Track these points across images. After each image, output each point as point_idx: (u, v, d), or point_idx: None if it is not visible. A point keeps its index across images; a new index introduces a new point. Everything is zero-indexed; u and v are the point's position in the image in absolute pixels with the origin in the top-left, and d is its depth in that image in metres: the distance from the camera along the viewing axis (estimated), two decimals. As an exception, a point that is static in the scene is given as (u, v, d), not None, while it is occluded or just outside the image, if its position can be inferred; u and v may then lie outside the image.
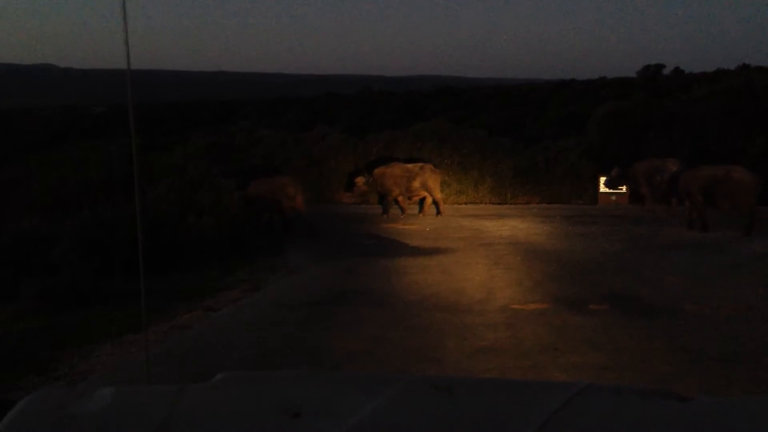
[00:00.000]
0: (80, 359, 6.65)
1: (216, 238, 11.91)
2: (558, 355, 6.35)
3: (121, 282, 9.28)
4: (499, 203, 20.01)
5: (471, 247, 12.72)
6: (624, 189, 18.20)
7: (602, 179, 18.57)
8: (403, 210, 17.22)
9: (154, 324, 7.70)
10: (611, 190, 18.70)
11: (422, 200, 17.50)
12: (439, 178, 17.50)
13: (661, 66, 51.11)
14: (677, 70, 50.26)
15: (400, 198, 17.19)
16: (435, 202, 17.27)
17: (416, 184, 16.93)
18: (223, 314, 8.34)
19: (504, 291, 9.07)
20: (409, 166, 17.20)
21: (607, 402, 1.27)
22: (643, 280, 9.75)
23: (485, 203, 20.10)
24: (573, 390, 1.28)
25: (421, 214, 17.20)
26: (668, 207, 16.25)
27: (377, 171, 17.03)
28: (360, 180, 17.14)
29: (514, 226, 15.37)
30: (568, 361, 6.18)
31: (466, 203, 20.12)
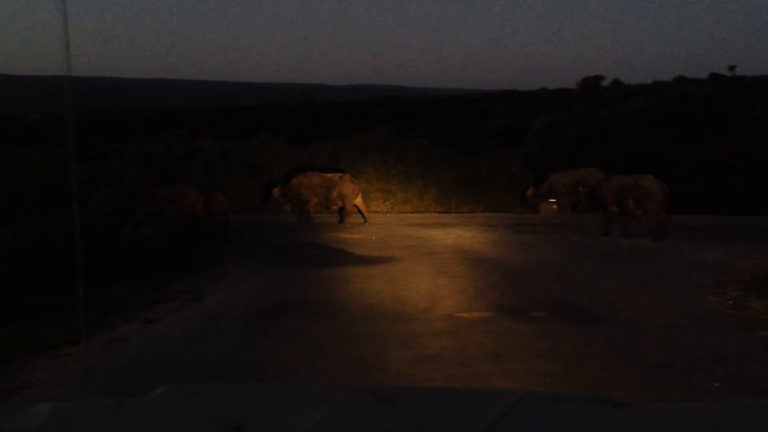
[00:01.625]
0: (14, 373, 6.42)
1: (155, 248, 11.69)
2: (500, 363, 6.41)
3: (56, 294, 9.01)
4: (443, 212, 20.19)
5: (416, 255, 12.79)
6: (553, 201, 18.43)
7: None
8: (310, 219, 17.20)
9: (92, 336, 7.50)
10: (529, 207, 19.08)
11: (341, 210, 17.53)
12: (358, 188, 17.59)
13: (600, 78, 52.39)
14: (616, 82, 51.56)
15: (311, 208, 17.21)
16: (342, 210, 17.36)
17: (334, 193, 17.01)
18: (163, 326, 8.17)
19: (448, 299, 9.14)
20: (329, 175, 17.26)
21: (547, 409, 1.28)
22: (582, 288, 9.93)
23: (430, 212, 20.25)
24: (513, 398, 1.30)
25: (341, 224, 17.20)
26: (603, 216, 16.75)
27: (294, 180, 17.00)
28: (276, 191, 17.04)
29: (459, 235, 15.52)
30: (510, 369, 6.24)
31: (411, 212, 20.24)
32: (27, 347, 7.21)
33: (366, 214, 17.51)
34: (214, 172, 20.50)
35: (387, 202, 20.66)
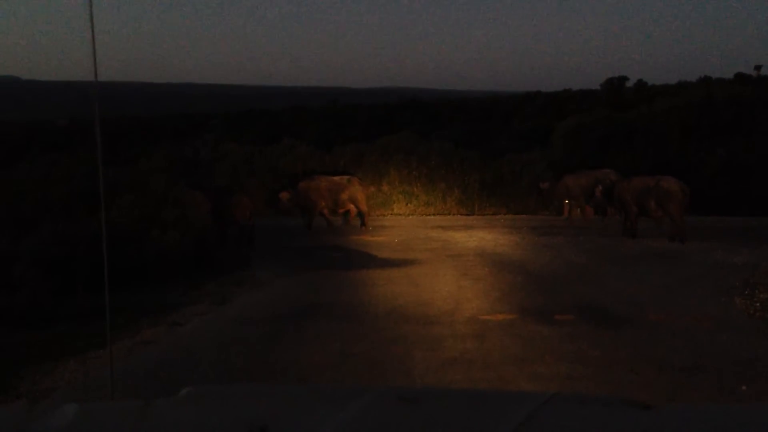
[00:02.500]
0: (43, 376, 6.52)
1: (181, 252, 11.77)
2: (525, 366, 6.38)
3: (82, 300, 9.12)
4: (467, 214, 20.13)
5: (439, 258, 12.77)
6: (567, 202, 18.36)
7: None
8: (330, 223, 17.19)
9: (119, 340, 7.59)
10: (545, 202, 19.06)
11: (347, 212, 17.48)
12: (366, 191, 17.61)
13: (624, 78, 51.98)
14: (640, 83, 51.12)
15: (325, 211, 17.19)
16: (361, 214, 17.29)
17: (344, 196, 16.98)
18: (189, 329, 8.24)
19: (472, 302, 9.11)
20: (336, 179, 17.22)
21: (573, 411, 1.28)
22: (608, 291, 9.85)
23: (453, 214, 20.21)
24: (539, 400, 1.29)
25: (363, 227, 17.12)
26: (605, 216, 16.92)
27: (302, 185, 16.94)
28: (284, 195, 16.96)
29: (482, 237, 15.46)
30: (536, 372, 6.21)
31: (434, 215, 20.21)
32: (55, 351, 7.31)
33: (351, 218, 17.52)
34: (239, 176, 20.62)
35: (410, 205, 20.65)
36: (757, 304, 8.83)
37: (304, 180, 17.15)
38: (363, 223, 17.23)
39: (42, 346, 7.58)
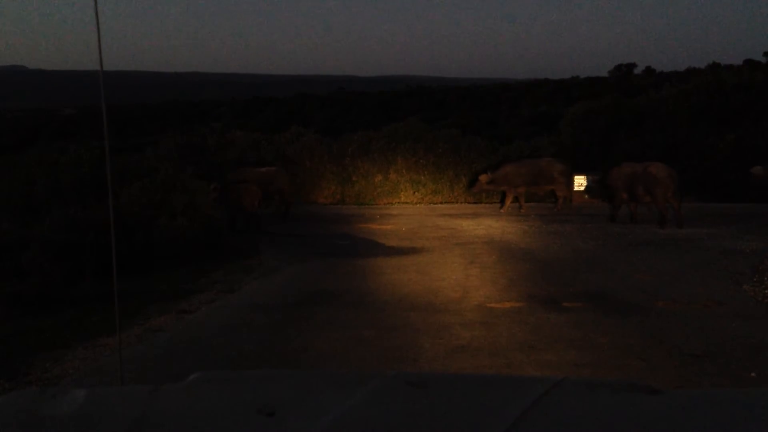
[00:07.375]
0: (53, 363, 6.56)
1: (189, 239, 11.82)
2: (533, 353, 6.38)
3: (92, 286, 9.17)
4: (474, 202, 20.09)
5: (446, 246, 12.76)
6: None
7: (579, 180, 18.58)
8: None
9: (128, 327, 7.62)
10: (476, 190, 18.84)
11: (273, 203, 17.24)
12: (289, 180, 17.47)
13: (632, 65, 51.80)
14: (649, 69, 50.96)
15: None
16: (285, 204, 17.10)
17: (271, 188, 16.77)
18: (198, 316, 8.27)
19: (479, 290, 9.11)
20: (263, 170, 17.08)
21: (581, 395, 1.28)
22: (616, 278, 9.84)
23: (461, 202, 20.18)
24: (547, 384, 1.29)
25: (285, 220, 16.87)
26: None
27: (231, 177, 16.64)
28: (215, 187, 16.59)
29: (490, 225, 15.45)
30: (544, 359, 6.22)
31: (441, 203, 20.19)
32: (65, 337, 7.35)
33: (290, 208, 17.25)
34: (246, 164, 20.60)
35: (417, 193, 20.62)
36: (766, 291, 8.81)
37: (233, 172, 16.94)
38: (286, 213, 16.98)
39: (51, 332, 7.62)
